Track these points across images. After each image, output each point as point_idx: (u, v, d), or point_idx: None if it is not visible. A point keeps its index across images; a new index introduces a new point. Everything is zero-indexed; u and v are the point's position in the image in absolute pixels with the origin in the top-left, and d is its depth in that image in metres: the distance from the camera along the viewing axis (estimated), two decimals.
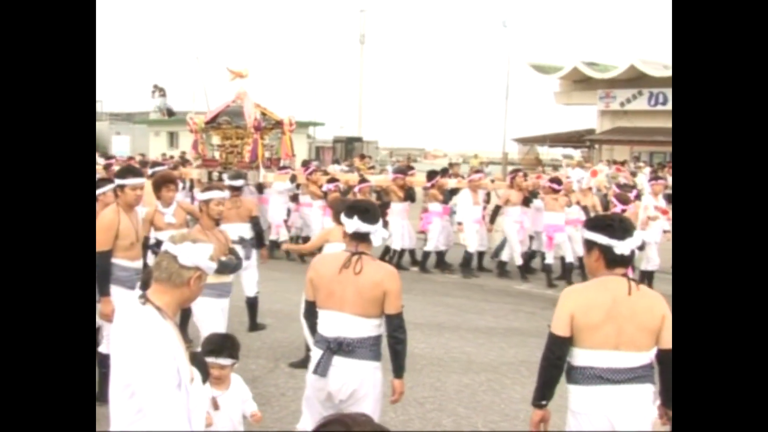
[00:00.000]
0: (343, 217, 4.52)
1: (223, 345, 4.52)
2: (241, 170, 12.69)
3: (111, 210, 6.32)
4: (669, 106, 35.92)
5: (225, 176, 10.29)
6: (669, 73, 35.09)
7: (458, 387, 7.22)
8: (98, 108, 42.43)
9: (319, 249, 7.19)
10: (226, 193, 7.08)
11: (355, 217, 4.43)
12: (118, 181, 6.40)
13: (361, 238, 4.48)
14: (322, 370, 4.36)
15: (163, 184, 7.92)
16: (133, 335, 3.00)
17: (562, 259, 12.74)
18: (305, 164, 16.12)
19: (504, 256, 13.52)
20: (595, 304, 3.84)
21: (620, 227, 3.89)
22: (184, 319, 7.50)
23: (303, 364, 6.65)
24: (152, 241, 7.75)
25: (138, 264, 6.39)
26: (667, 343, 3.81)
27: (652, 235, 11.39)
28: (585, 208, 12.50)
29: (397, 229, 13.42)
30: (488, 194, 14.58)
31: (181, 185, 13.65)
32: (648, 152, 36.32)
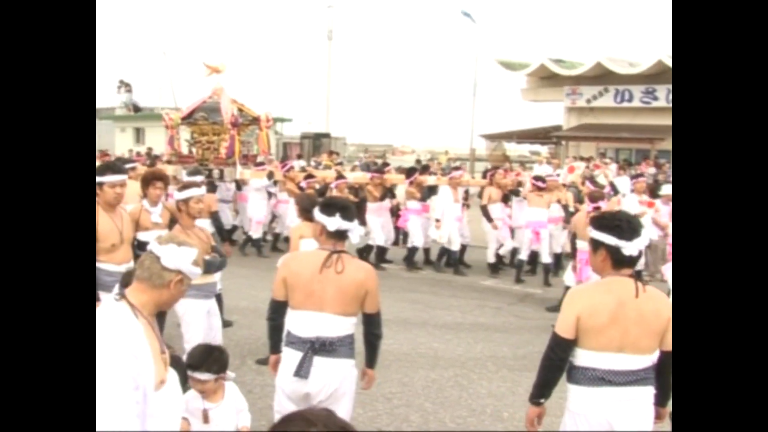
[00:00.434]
0: (320, 215, 4.44)
1: (203, 359, 4.33)
2: (199, 167, 12.65)
3: None
4: (634, 103, 36.27)
5: (183, 172, 10.18)
6: (634, 70, 35.42)
7: (425, 383, 7.24)
8: None
9: None
10: (204, 190, 6.88)
11: (337, 215, 4.38)
12: (97, 179, 6.07)
13: (341, 236, 4.45)
14: (305, 372, 4.27)
15: (151, 181, 7.68)
16: (97, 331, 2.94)
17: (533, 254, 12.83)
18: (283, 161, 16.11)
19: (501, 250, 13.54)
20: (601, 307, 3.79)
21: (629, 228, 3.84)
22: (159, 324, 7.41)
23: None
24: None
25: (125, 267, 6.04)
26: (668, 345, 3.79)
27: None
28: (565, 207, 12.63)
29: (375, 226, 13.42)
30: (466, 191, 14.56)
31: None
32: (614, 149, 36.56)
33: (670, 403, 3.79)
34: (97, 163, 8.51)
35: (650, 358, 3.85)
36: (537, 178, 13.13)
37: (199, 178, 9.39)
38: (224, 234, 9.54)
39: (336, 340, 4.33)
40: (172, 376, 3.31)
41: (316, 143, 34.97)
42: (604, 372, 3.80)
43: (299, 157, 26.41)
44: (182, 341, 6.35)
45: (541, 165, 24.69)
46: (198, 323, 6.31)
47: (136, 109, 41.88)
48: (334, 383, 4.35)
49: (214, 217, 9.06)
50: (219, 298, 8.88)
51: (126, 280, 5.06)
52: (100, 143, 34.79)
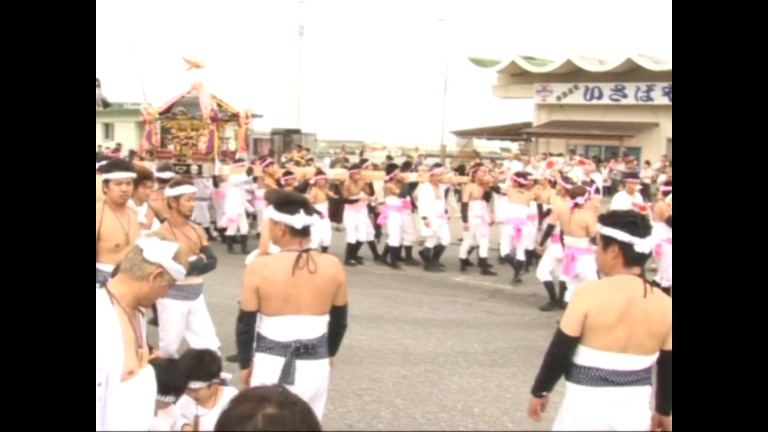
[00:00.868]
0: (282, 215, 4.22)
1: (193, 367, 4.21)
2: (169, 163, 12.54)
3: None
4: (604, 101, 36.62)
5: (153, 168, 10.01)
6: (604, 68, 35.75)
7: (396, 379, 7.23)
8: None
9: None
10: (195, 188, 6.68)
11: (301, 211, 4.22)
12: (103, 176, 5.87)
13: (306, 232, 4.29)
14: (291, 378, 4.12)
15: (141, 180, 7.43)
16: None
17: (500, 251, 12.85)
18: (262, 157, 16.01)
19: (481, 251, 13.30)
20: (610, 305, 3.71)
21: (642, 224, 3.80)
22: None
23: None
24: None
25: None
26: (669, 344, 3.73)
27: None
28: (540, 206, 12.62)
29: (351, 222, 13.38)
30: (447, 189, 14.37)
31: None
32: (583, 146, 36.89)
33: (670, 409, 3.80)
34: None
35: (651, 359, 3.82)
36: (518, 174, 13.07)
37: (167, 175, 9.29)
38: None
39: (316, 341, 4.24)
40: (148, 373, 3.28)
41: (287, 139, 34.77)
42: (608, 372, 3.75)
43: (270, 153, 26.31)
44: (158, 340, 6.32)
45: (511, 162, 24.78)
46: (173, 324, 6.21)
47: (105, 104, 41.38)
48: (316, 385, 4.29)
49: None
50: None
51: (115, 270, 5.02)
52: None
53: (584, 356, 3.80)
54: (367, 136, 73.18)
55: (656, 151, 32.77)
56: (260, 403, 1.83)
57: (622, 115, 35.65)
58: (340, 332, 4.55)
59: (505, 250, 12.46)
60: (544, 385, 4.00)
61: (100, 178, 6.18)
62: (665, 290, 10.53)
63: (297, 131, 37.44)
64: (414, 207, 13.94)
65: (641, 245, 3.76)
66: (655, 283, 3.89)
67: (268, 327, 4.24)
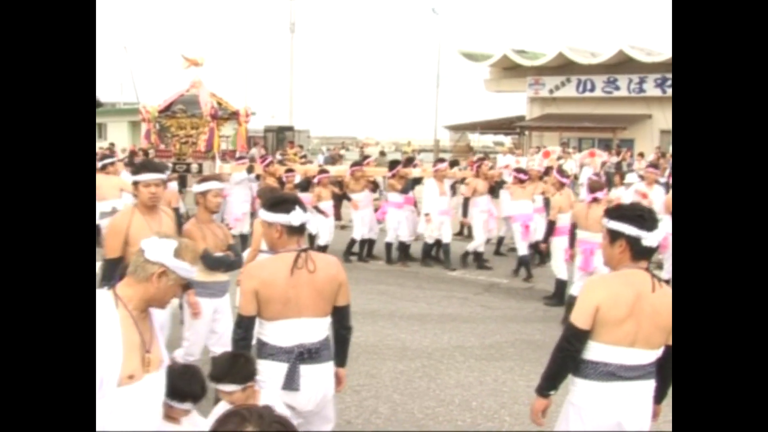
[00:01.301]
0: (277, 215, 4.10)
1: (227, 370, 3.93)
2: (163, 161, 12.47)
3: (123, 212, 5.68)
4: (596, 93, 36.69)
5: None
6: (596, 60, 35.79)
7: (393, 374, 7.23)
8: None
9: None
10: (224, 184, 6.54)
11: (297, 208, 4.08)
12: (133, 178, 5.74)
13: (303, 231, 4.15)
14: (295, 384, 4.01)
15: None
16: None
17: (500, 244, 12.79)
18: (263, 156, 15.91)
19: (471, 247, 13.16)
20: (621, 299, 3.66)
21: (650, 218, 3.76)
22: None
23: None
24: None
25: None
26: (670, 339, 3.72)
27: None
28: (547, 200, 12.44)
29: (357, 219, 13.23)
30: (453, 184, 14.06)
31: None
32: (576, 138, 36.90)
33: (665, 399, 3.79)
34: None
35: (657, 353, 3.79)
36: (519, 170, 12.89)
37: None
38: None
39: (319, 344, 4.11)
40: (155, 379, 3.16)
41: (280, 136, 34.74)
42: (616, 367, 3.71)
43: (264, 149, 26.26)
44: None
45: (504, 156, 24.80)
46: (200, 323, 6.05)
47: (98, 104, 41.40)
48: (323, 389, 4.17)
49: (176, 214, 8.94)
50: None
51: (123, 271, 4.98)
52: None
53: (593, 351, 3.75)
54: (361, 132, 73.09)
55: (650, 142, 32.78)
56: (241, 423, 1.89)
57: (614, 108, 35.71)
58: (346, 336, 4.38)
59: (522, 251, 12.10)
60: (552, 382, 3.91)
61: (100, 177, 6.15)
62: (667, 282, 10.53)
63: (290, 128, 37.37)
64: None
65: (649, 239, 3.72)
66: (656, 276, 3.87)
67: (269, 332, 4.10)
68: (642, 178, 13.08)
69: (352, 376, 6.92)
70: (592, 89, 36.95)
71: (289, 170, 12.84)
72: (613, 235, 3.81)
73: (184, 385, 3.68)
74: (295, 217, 4.06)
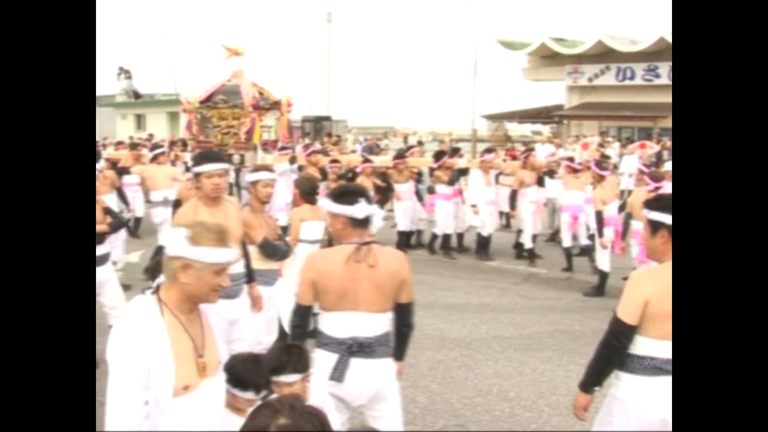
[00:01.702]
0: (341, 207, 4.03)
1: (287, 359, 3.76)
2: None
3: (187, 206, 5.49)
4: (636, 81, 36.22)
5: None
6: (636, 48, 35.33)
7: (432, 363, 7.26)
8: None
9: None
10: (275, 174, 6.62)
11: (362, 201, 4.02)
12: (194, 169, 5.55)
13: (367, 223, 4.07)
14: (339, 375, 3.96)
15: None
16: (115, 326, 2.85)
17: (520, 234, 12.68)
18: (306, 146, 15.90)
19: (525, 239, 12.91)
20: (670, 292, 3.44)
21: None
22: None
23: None
24: None
25: (236, 269, 5.19)
26: None
27: None
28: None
29: (400, 211, 13.19)
30: (497, 175, 13.71)
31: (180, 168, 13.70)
32: (616, 127, 36.47)
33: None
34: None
35: None
36: (570, 159, 12.67)
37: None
38: None
39: (373, 339, 4.02)
40: (212, 385, 3.01)
41: (318, 126, 34.86)
42: (663, 361, 3.63)
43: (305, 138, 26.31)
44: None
45: (543, 145, 24.61)
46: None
47: (137, 95, 41.85)
48: (374, 386, 4.07)
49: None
50: None
51: (151, 269, 4.98)
52: (102, 130, 34.84)
53: (640, 345, 3.68)
54: (398, 122, 72.93)
55: None
56: (273, 415, 1.93)
57: (655, 96, 35.15)
58: (406, 333, 4.30)
59: (566, 242, 11.81)
60: (597, 378, 3.85)
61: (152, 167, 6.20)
62: None
63: (327, 118, 37.47)
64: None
65: None
66: None
67: (325, 322, 4.09)
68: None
69: None
70: (632, 77, 36.47)
71: (334, 161, 12.75)
72: (654, 226, 3.74)
73: (246, 374, 3.60)
74: (358, 210, 4.01)
